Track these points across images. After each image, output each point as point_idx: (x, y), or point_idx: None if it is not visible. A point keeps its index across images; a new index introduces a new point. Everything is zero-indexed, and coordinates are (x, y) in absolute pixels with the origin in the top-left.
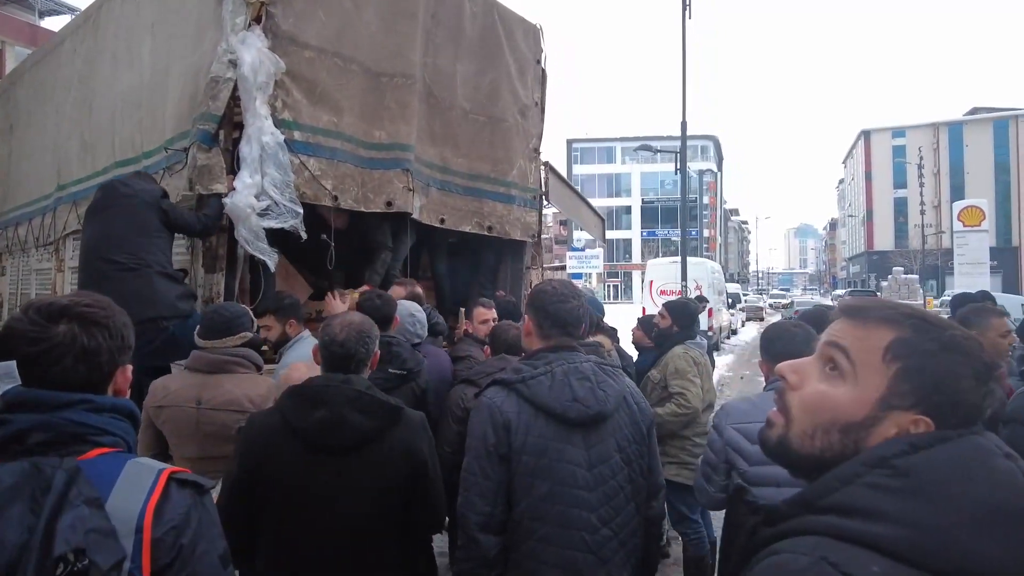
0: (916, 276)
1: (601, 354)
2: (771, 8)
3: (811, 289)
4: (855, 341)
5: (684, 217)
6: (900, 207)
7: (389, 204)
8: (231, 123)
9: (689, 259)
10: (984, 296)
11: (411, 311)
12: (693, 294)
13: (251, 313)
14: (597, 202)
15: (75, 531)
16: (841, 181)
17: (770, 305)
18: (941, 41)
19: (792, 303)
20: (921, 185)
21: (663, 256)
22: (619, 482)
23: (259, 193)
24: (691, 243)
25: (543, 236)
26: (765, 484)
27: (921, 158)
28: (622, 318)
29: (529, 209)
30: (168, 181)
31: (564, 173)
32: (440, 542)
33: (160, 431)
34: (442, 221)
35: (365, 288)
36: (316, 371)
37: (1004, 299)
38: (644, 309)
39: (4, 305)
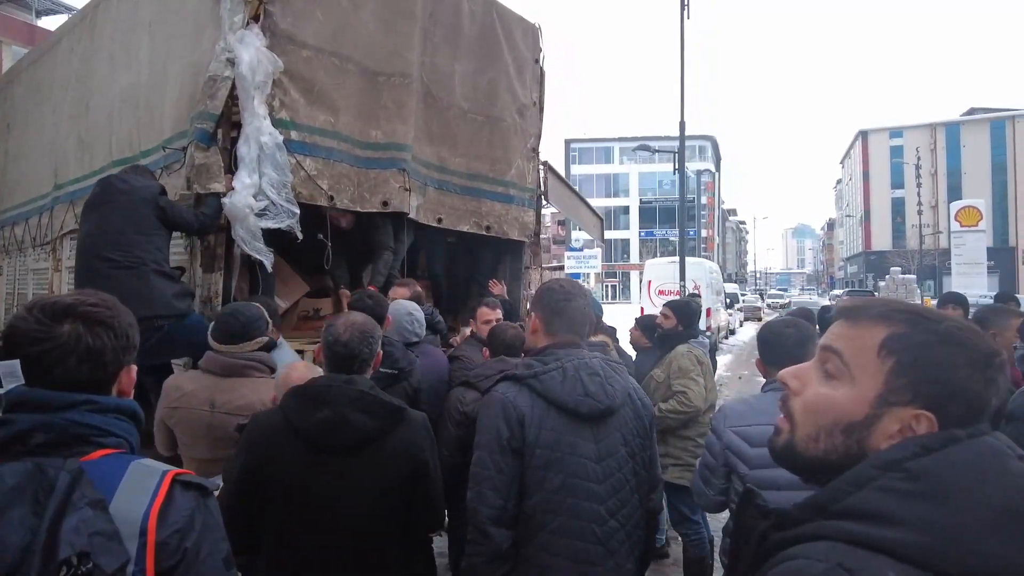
0: (914, 276)
1: (607, 353)
2: (769, 9)
3: (809, 289)
4: (850, 342)
5: (682, 217)
6: (898, 207)
7: (385, 204)
8: (229, 122)
9: (687, 259)
10: (1008, 297)
11: (409, 310)
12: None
13: (266, 315)
14: (595, 202)
15: (79, 534)
16: (839, 181)
17: (768, 305)
18: (939, 42)
19: (790, 303)
20: (919, 185)
21: (661, 256)
22: (625, 475)
23: (257, 193)
24: (689, 243)
25: (541, 236)
26: (766, 488)
27: (919, 158)
28: (620, 318)
29: (527, 209)
30: (166, 180)
31: (562, 173)
32: (439, 543)
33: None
34: (439, 221)
35: (372, 289)
36: (314, 371)
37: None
38: (642, 309)
39: (1, 305)
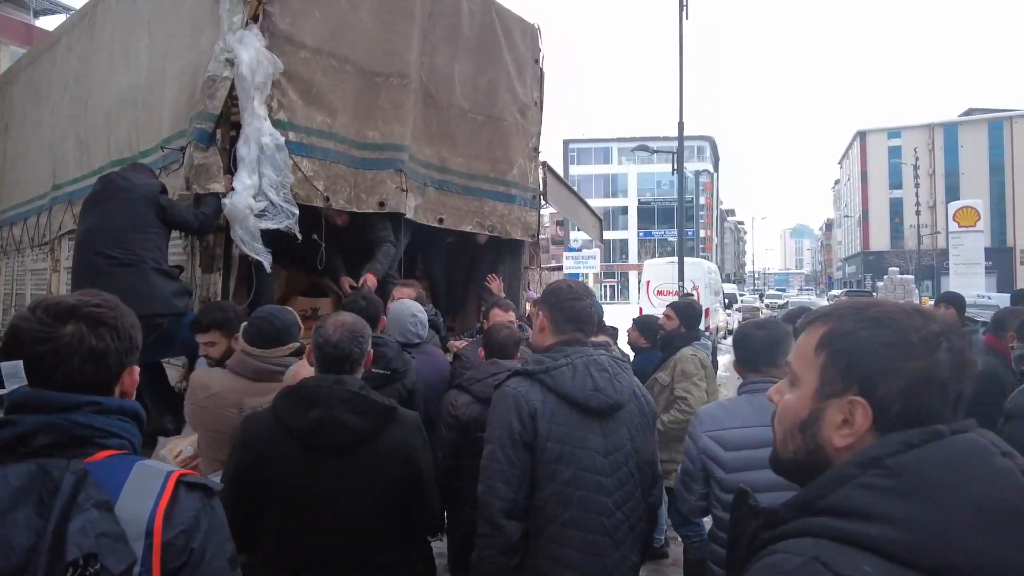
0: (912, 276)
1: (611, 351)
2: (768, 9)
3: (807, 289)
4: (797, 349)
5: (681, 217)
6: (896, 208)
7: (382, 204)
8: (228, 122)
9: (686, 259)
10: None
11: (413, 311)
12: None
13: (299, 321)
14: (594, 202)
15: (86, 535)
16: (837, 182)
17: (766, 305)
18: (937, 42)
19: (787, 304)
20: (917, 186)
21: (659, 256)
22: (631, 469)
23: (256, 194)
24: (688, 243)
25: (540, 237)
26: None
27: (917, 159)
28: (619, 318)
29: (529, 209)
30: (165, 180)
31: (560, 173)
32: (439, 544)
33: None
34: (440, 221)
35: (366, 290)
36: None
37: (1001, 299)
38: (641, 309)
39: None
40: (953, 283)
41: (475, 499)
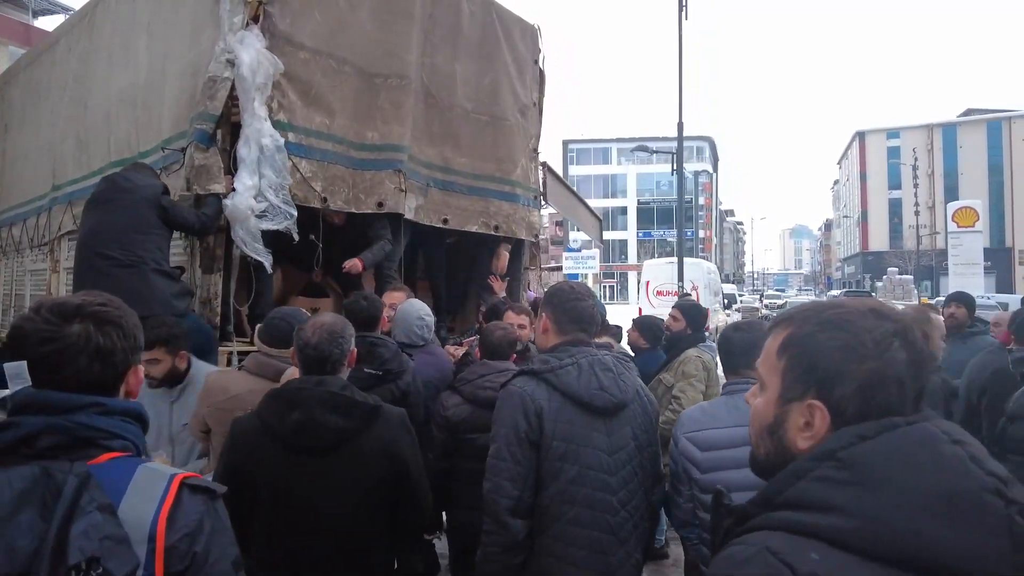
0: (911, 276)
1: (613, 352)
2: (767, 10)
3: (806, 290)
4: (764, 353)
5: (680, 218)
6: (895, 208)
7: (380, 205)
8: (228, 123)
9: (685, 260)
10: None
11: (420, 313)
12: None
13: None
14: (593, 203)
15: (89, 538)
16: (836, 182)
17: (765, 306)
18: (935, 43)
19: (785, 304)
20: (915, 186)
21: (659, 257)
22: (634, 468)
23: (257, 195)
24: (687, 244)
25: (540, 237)
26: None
27: (915, 159)
28: (619, 319)
29: (532, 208)
30: (166, 180)
31: (560, 174)
32: (440, 545)
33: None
34: (445, 221)
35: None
36: None
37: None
38: (640, 310)
39: None
40: (952, 283)
41: (469, 501)
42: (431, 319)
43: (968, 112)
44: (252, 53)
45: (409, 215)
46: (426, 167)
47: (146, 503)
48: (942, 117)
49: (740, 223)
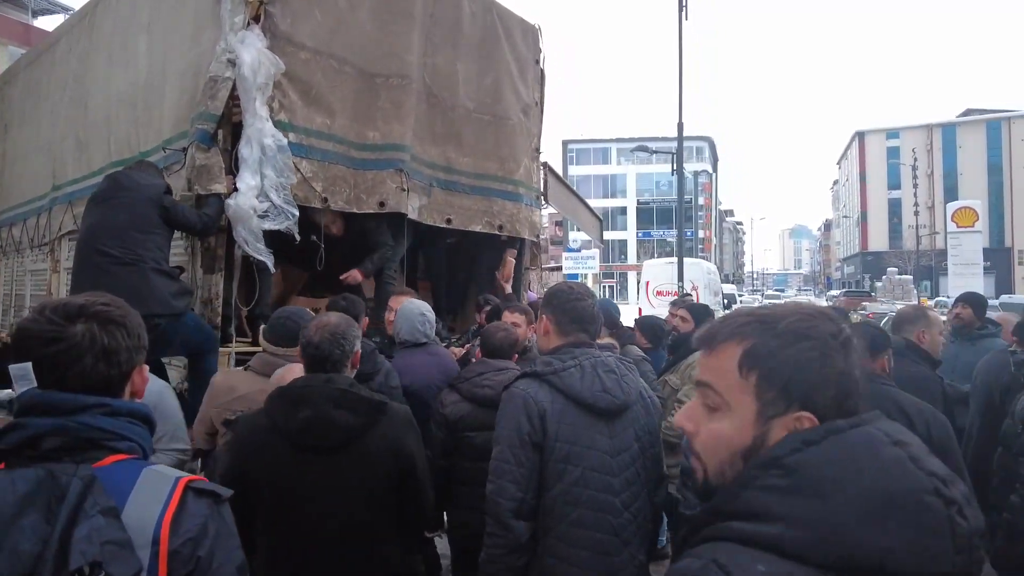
0: (910, 277)
1: (616, 353)
2: (767, 10)
3: (806, 290)
4: (713, 372)
5: (680, 218)
6: (894, 208)
7: (382, 205)
8: (229, 123)
9: (685, 260)
10: None
11: (422, 310)
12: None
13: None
14: (593, 203)
15: (91, 543)
16: (835, 182)
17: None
18: (935, 43)
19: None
20: (915, 186)
21: (659, 257)
22: (637, 469)
23: (259, 195)
24: (687, 244)
25: (540, 237)
26: None
27: (915, 159)
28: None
29: (535, 208)
30: (167, 181)
31: (560, 174)
32: (441, 545)
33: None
34: (449, 221)
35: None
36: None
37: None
38: (640, 310)
39: None
40: (951, 284)
41: (469, 500)
42: (432, 316)
43: (967, 112)
44: (253, 53)
45: (413, 215)
46: (429, 167)
47: (150, 506)
48: (942, 117)
49: (740, 223)
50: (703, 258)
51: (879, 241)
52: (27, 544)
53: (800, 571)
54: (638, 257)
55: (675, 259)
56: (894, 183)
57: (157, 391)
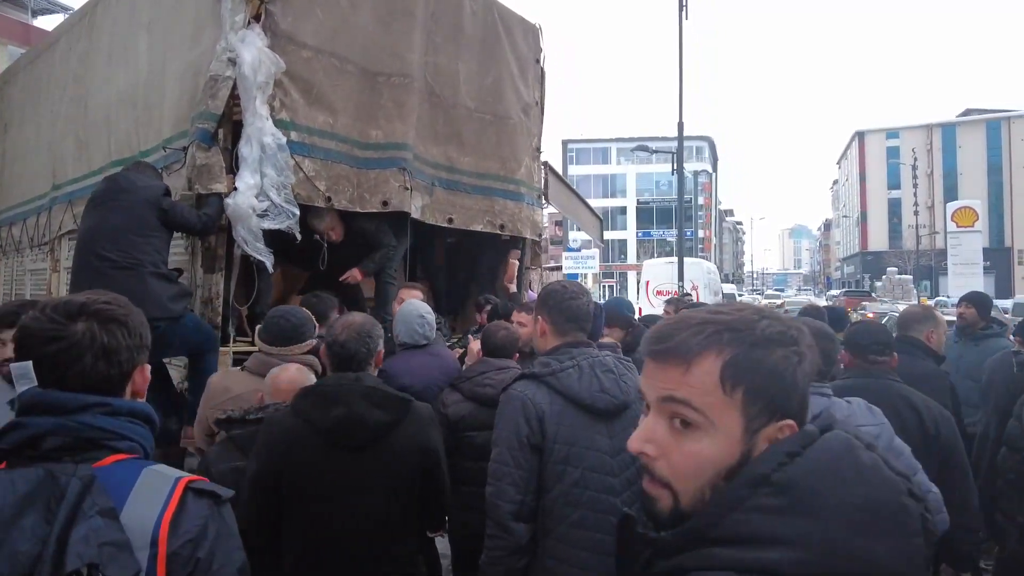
0: (910, 276)
1: (617, 352)
2: (767, 10)
3: (805, 290)
4: (688, 387)
5: (680, 218)
6: (894, 208)
7: (385, 204)
8: (230, 122)
9: (685, 260)
10: None
11: (421, 312)
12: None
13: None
14: (592, 203)
15: (88, 544)
16: (835, 182)
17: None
18: (935, 43)
19: (783, 304)
20: (915, 186)
21: (658, 257)
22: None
23: (259, 194)
24: (686, 244)
25: (541, 236)
26: None
27: (915, 159)
28: None
29: (536, 208)
30: (167, 180)
31: (560, 174)
32: (441, 545)
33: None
34: (450, 221)
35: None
36: (305, 373)
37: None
38: (640, 310)
39: None
40: (951, 283)
41: (469, 500)
42: (432, 317)
43: (967, 112)
44: (254, 52)
45: (415, 214)
46: (431, 166)
47: (149, 507)
48: (941, 117)
49: (739, 223)
50: (703, 258)
51: (879, 241)
52: (26, 545)
53: None
54: (638, 257)
55: (675, 259)
56: (894, 183)
57: None
